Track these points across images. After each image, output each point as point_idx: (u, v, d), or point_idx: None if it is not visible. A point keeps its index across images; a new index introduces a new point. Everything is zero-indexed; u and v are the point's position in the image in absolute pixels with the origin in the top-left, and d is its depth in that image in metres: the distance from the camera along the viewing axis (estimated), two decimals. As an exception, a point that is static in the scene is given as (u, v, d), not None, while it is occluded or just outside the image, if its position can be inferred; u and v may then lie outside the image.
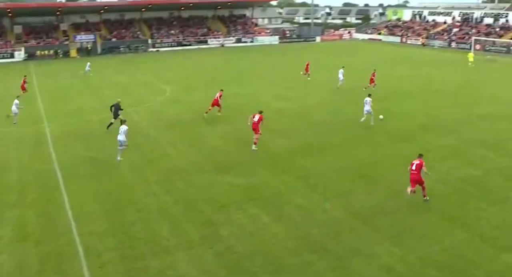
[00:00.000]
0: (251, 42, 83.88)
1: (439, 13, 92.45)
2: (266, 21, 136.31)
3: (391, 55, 63.72)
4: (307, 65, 43.63)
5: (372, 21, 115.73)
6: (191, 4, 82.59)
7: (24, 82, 38.61)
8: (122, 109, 26.64)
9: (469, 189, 17.60)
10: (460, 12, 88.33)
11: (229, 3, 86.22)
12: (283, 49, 74.47)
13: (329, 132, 25.36)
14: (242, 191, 17.71)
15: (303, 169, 19.92)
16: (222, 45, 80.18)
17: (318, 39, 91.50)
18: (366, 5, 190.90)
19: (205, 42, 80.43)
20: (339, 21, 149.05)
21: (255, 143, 22.50)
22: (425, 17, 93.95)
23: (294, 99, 34.17)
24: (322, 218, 15.51)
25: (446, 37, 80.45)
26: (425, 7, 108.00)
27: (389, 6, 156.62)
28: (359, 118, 26.96)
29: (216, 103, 28.61)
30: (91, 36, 72.62)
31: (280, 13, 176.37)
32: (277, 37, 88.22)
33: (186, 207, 16.51)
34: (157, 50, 74.53)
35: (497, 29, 76.80)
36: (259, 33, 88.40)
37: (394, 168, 19.63)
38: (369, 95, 26.95)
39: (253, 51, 70.87)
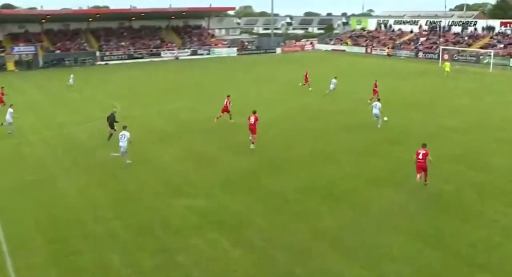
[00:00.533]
0: (208, 54, 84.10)
1: (405, 22, 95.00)
2: (223, 32, 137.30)
3: (356, 66, 64.95)
4: (306, 75, 44.81)
5: (335, 31, 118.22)
6: (142, 14, 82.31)
7: (2, 94, 38.28)
8: (117, 121, 27.42)
9: (441, 205, 17.88)
10: (427, 21, 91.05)
11: (184, 13, 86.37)
12: (241, 61, 74.88)
13: (292, 148, 25.45)
14: (200, 214, 17.46)
15: (264, 188, 19.84)
16: (177, 58, 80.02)
17: (278, 50, 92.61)
18: (329, 14, 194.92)
19: (158, 54, 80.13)
20: (300, 31, 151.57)
21: (253, 143, 25.21)
22: (390, 26, 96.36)
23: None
24: (286, 241, 15.41)
25: (413, 47, 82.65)
26: (390, 16, 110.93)
27: (353, 15, 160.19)
28: (321, 133, 27.66)
29: (226, 110, 30.38)
30: (32, 48, 71.07)
31: (238, 23, 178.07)
32: (235, 48, 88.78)
33: (139, 233, 16.12)
34: (106, 63, 73.74)
35: (466, 38, 79.42)
36: (216, 44, 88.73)
37: (360, 186, 19.80)
38: (379, 100, 31.06)
39: (210, 64, 70.97)
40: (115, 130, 26.60)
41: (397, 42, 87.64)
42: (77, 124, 31.81)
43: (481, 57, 69.56)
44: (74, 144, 27.41)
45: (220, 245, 15.26)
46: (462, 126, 29.73)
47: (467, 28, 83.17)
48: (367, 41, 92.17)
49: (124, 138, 22.84)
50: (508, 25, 78.30)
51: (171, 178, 21.38)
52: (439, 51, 72.59)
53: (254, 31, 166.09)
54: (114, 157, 23.33)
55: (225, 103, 30.54)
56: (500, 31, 78.11)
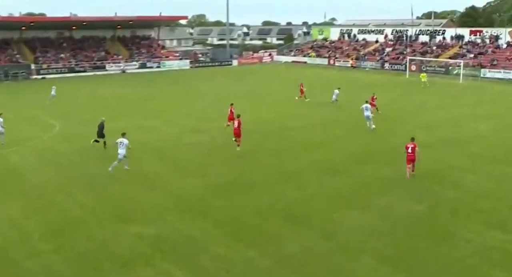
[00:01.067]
0: (158, 67, 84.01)
1: (370, 31, 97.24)
2: (175, 42, 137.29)
3: (318, 79, 65.91)
4: (301, 87, 47.12)
5: (295, 42, 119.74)
6: (84, 23, 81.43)
7: None
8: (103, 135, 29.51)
9: (412, 227, 18.17)
10: (393, 30, 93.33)
11: (131, 22, 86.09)
12: (194, 75, 74.96)
13: (250, 168, 25.55)
14: (150, 243, 17.25)
15: (220, 212, 19.79)
16: (124, 71, 79.53)
17: (235, 62, 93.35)
18: (289, 23, 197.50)
19: (103, 67, 79.50)
20: (258, 42, 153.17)
21: (238, 145, 28.50)
22: (354, 36, 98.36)
23: (208, 131, 34.27)
24: (245, 269, 15.36)
25: (378, 58, 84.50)
26: (354, 25, 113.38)
27: (315, 24, 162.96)
28: (282, 151, 28.27)
29: (232, 118, 32.38)
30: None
31: (191, 33, 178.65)
32: (188, 61, 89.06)
33: (81, 267, 15.76)
34: (43, 78, 72.53)
35: (434, 48, 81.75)
36: (166, 56, 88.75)
37: (324, 206, 20.00)
38: (367, 102, 35.04)
39: (160, 78, 70.82)
40: (99, 139, 29.40)
41: (362, 52, 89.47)
42: (9, 145, 31.08)
43: (450, 67, 71.70)
44: (6, 168, 26.77)
45: (173, 276, 15.10)
46: (433, 141, 30.48)
47: (435, 37, 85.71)
48: (330, 52, 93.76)
49: (122, 145, 24.64)
50: (478, 33, 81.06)
51: (118, 203, 21.07)
52: (406, 62, 74.44)
53: (208, 42, 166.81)
54: (113, 170, 24.61)
55: (229, 111, 33.65)
56: (470, 40, 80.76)
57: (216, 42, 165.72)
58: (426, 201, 20.51)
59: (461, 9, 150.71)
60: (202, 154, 28.52)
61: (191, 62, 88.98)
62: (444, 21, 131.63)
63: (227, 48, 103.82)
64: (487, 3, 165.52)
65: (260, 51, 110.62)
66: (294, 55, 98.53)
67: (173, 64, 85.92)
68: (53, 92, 50.12)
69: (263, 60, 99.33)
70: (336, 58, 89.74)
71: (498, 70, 68.38)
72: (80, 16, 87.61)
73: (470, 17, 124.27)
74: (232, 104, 34.40)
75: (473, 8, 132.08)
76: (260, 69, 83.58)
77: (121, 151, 24.65)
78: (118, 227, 18.57)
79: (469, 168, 25.24)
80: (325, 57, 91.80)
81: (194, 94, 53.22)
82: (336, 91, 44.45)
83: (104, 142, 29.42)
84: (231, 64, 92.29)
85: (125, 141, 24.73)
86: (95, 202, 21.25)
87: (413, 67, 74.21)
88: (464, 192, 21.67)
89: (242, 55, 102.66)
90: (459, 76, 65.02)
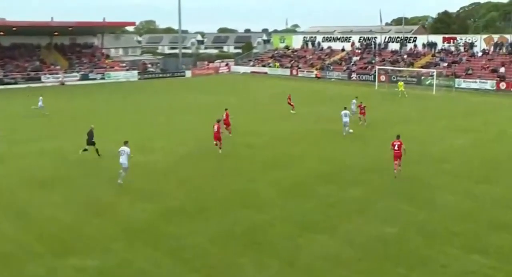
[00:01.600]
0: (102, 78, 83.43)
1: (336, 39, 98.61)
2: (121, 51, 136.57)
3: (279, 91, 66.26)
4: (289, 99, 49.38)
5: (255, 50, 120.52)
6: (14, 28, 79.89)
7: None
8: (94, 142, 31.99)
9: (383, 251, 18.34)
10: (361, 37, 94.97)
11: (71, 29, 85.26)
12: (143, 87, 74.58)
13: (205, 189, 25.46)
14: None
15: (173, 240, 19.61)
16: (62, 83, 78.58)
17: (188, 73, 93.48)
18: (247, 30, 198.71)
19: (38, 79, 78.42)
20: (214, 51, 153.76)
21: (220, 148, 32.35)
22: (319, 43, 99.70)
23: (159, 150, 34.11)
24: (201, 304, 15.26)
25: (345, 68, 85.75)
26: (318, 32, 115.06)
27: (275, 31, 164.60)
28: (240, 170, 28.40)
29: (228, 123, 37.47)
30: None
31: (139, 41, 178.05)
32: (135, 72, 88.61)
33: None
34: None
35: (405, 56, 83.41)
36: (111, 67, 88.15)
37: (287, 231, 20.06)
38: (345, 108, 38.27)
39: (104, 90, 70.23)
40: (87, 150, 31.85)
41: (327, 62, 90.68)
42: None
43: (422, 77, 73.26)
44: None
45: (118, 313, 14.89)
46: (405, 157, 30.95)
47: (406, 45, 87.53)
48: (292, 61, 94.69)
49: (124, 154, 26.14)
50: (451, 40, 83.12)
51: (55, 233, 20.61)
52: (375, 72, 75.60)
53: (158, 51, 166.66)
54: (121, 182, 26.23)
55: (225, 116, 37.60)
56: (443, 47, 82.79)
57: (167, 51, 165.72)
58: (397, 223, 20.76)
59: (433, 14, 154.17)
60: (152, 175, 28.30)
61: (139, 73, 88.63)
62: (415, 27, 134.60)
63: (180, 57, 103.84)
64: (461, 8, 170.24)
65: (216, 61, 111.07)
66: (253, 65, 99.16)
67: (119, 76, 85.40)
68: (40, 103, 50.55)
69: (220, 71, 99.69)
70: (299, 68, 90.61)
71: (473, 80, 70.19)
72: (9, 20, 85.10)
73: (443, 23, 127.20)
74: (226, 109, 38.66)
75: (446, 13, 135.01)
76: (216, 81, 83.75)
77: (123, 161, 26.16)
78: (55, 261, 18.11)
79: (445, 186, 25.70)
80: (287, 67, 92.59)
81: (142, 108, 52.86)
82: (354, 100, 45.20)
83: (97, 150, 31.86)
84: (184, 75, 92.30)
85: (127, 149, 26.25)
86: (26, 234, 20.69)
87: (383, 78, 75.46)
88: (439, 212, 22.01)
89: (196, 66, 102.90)
90: (432, 87, 66.43)
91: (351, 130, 37.68)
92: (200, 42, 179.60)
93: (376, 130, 40.12)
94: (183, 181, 27.21)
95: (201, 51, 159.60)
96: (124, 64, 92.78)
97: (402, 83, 63.12)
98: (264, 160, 31.09)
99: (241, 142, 35.99)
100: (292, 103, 49.33)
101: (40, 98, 51.38)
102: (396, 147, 27.00)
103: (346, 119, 37.45)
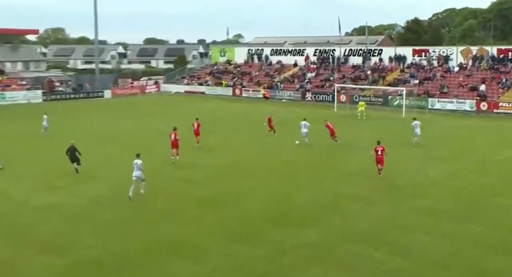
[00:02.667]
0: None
1: (287, 52, 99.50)
2: (19, 66, 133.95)
3: (220, 114, 66.47)
4: (269, 120, 51.72)
5: (189, 66, 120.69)
6: None
7: None
8: (80, 154, 36.74)
9: (345, 307, 18.42)
10: (316, 50, 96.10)
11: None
12: (49, 110, 73.42)
13: (128, 238, 24.96)
14: None
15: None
16: None
17: (107, 93, 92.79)
18: (180, 41, 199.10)
19: None
20: (139, 66, 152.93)
21: (177, 154, 39.67)
22: (267, 57, 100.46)
23: (68, 188, 33.52)
24: None
25: (298, 86, 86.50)
26: (266, 44, 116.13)
27: (214, 42, 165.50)
28: (170, 211, 28.19)
29: (197, 133, 45.77)
30: None
31: (44, 54, 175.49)
32: (40, 92, 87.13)
33: None
34: None
35: (369, 72, 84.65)
36: (7, 85, 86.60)
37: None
38: (304, 119, 46.91)
39: None
40: (79, 165, 36.50)
41: (276, 79, 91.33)
42: None
43: (390, 97, 74.49)
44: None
45: None
46: (366, 193, 31.34)
47: (369, 59, 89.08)
48: (235, 78, 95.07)
49: (136, 167, 30.46)
50: (423, 53, 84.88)
51: None
52: (334, 91, 76.42)
53: (69, 65, 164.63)
54: (133, 195, 29.94)
55: (196, 125, 46.00)
56: (413, 61, 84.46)
57: (80, 65, 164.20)
58: (364, 273, 20.81)
59: (402, 22, 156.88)
60: (59, 221, 27.60)
61: (44, 93, 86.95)
62: (380, 38, 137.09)
63: (97, 74, 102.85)
64: (434, 15, 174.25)
65: (142, 78, 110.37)
66: (188, 84, 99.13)
67: (18, 96, 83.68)
68: (45, 123, 53.06)
69: (147, 90, 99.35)
70: (243, 87, 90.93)
71: (449, 100, 71.91)
72: None
73: (413, 33, 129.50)
74: (197, 119, 46.49)
75: (416, 21, 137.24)
76: (143, 103, 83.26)
77: (136, 173, 30.33)
78: None
79: (419, 227, 25.94)
80: (229, 86, 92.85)
81: (47, 137, 51.94)
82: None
83: (77, 169, 36.32)
84: (102, 96, 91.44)
85: (139, 162, 30.64)
86: None
87: (343, 98, 76.53)
88: (413, 259, 22.15)
89: (118, 84, 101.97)
90: (401, 108, 67.48)
91: (297, 142, 45.94)
92: (122, 56, 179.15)
93: (334, 159, 40.57)
94: (99, 227, 26.63)
95: (123, 66, 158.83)
96: (24, 82, 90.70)
97: (363, 103, 64.12)
98: (203, 198, 30.86)
99: (176, 176, 35.76)
100: (272, 126, 51.85)
101: (45, 117, 53.66)
102: (379, 153, 34.40)
103: (304, 130, 46.06)
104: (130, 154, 40.90)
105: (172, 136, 39.91)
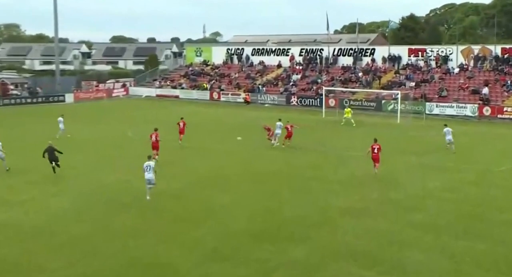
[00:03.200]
0: None
1: (270, 51, 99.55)
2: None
3: (196, 120, 66.32)
4: (183, 125, 51.49)
5: (162, 67, 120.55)
6: None
7: None
8: (61, 152, 39.77)
9: None
10: (302, 49, 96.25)
11: None
12: (2, 117, 73.20)
13: (95, 258, 24.61)
14: None
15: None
16: None
17: (69, 98, 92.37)
18: (151, 40, 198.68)
19: None
20: (106, 67, 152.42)
21: (157, 155, 42.18)
22: (247, 58, 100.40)
23: (27, 203, 33.11)
24: None
25: (282, 89, 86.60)
26: (246, 43, 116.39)
27: (190, 41, 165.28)
28: (146, 227, 28.03)
29: (181, 132, 50.29)
30: None
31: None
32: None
33: None
34: None
35: (360, 74, 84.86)
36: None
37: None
38: (280, 119, 50.63)
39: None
40: (58, 166, 39.25)
41: (258, 82, 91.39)
42: None
43: (383, 101, 74.85)
44: None
45: None
46: (359, 206, 31.56)
47: (361, 59, 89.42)
48: (213, 81, 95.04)
49: (149, 169, 32.48)
50: (419, 53, 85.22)
51: None
52: (322, 95, 76.44)
53: (25, 66, 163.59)
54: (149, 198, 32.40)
55: (182, 126, 50.25)
56: (409, 62, 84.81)
57: (38, 66, 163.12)
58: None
59: (396, 19, 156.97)
60: (15, 241, 27.00)
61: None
62: (373, 36, 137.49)
63: (57, 76, 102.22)
64: (431, 11, 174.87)
65: (109, 81, 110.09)
66: (161, 86, 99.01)
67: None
68: (61, 126, 56.04)
69: (114, 94, 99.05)
70: (222, 90, 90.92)
71: (449, 104, 72.38)
72: None
73: (409, 31, 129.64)
74: (182, 118, 51.03)
75: (412, 18, 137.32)
76: (109, 108, 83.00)
77: (149, 176, 32.51)
78: None
79: (415, 243, 26.11)
80: (205, 89, 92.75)
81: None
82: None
83: (54, 168, 39.04)
84: (63, 101, 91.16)
85: (152, 164, 32.88)
86: None
87: (332, 102, 76.79)
88: (410, 278, 22.44)
89: (81, 87, 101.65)
90: (396, 113, 67.91)
91: (239, 138, 53.11)
92: (86, 55, 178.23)
93: (322, 169, 40.85)
94: (61, 247, 26.26)
95: (87, 67, 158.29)
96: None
97: (349, 109, 64.35)
98: (179, 212, 30.82)
99: (141, 192, 35.58)
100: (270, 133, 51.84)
101: (60, 119, 56.37)
102: (375, 150, 38.52)
103: (278, 131, 49.90)
104: (95, 165, 41.16)
105: (153, 137, 43.07)
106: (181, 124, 50.39)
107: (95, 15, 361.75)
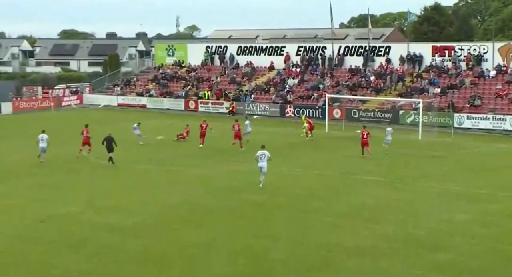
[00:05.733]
0: None
1: (260, 50, 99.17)
2: None
3: (165, 136, 66.44)
4: (186, 132, 63.84)
5: (124, 68, 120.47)
6: None
7: None
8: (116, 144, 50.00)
9: None
10: (300, 47, 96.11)
11: None
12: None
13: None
14: None
15: None
16: None
17: (7, 107, 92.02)
18: (111, 35, 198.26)
19: None
20: (53, 69, 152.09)
21: (89, 150, 53.30)
22: (232, 58, 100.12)
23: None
24: None
25: (274, 97, 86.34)
26: (230, 39, 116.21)
27: (159, 37, 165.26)
28: (98, 271, 27.81)
29: (87, 142, 54.59)
30: None
31: None
32: None
33: None
34: None
35: (372, 78, 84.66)
36: None
37: None
38: (246, 117, 62.28)
39: None
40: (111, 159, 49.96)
41: (246, 87, 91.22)
42: None
43: (401, 112, 74.66)
44: None
45: None
46: (369, 244, 31.36)
47: (373, 60, 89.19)
48: (189, 87, 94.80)
49: (263, 157, 42.19)
50: (446, 51, 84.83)
51: None
52: (325, 104, 76.34)
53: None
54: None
55: (86, 134, 54.58)
56: (433, 63, 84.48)
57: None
58: None
59: (417, 10, 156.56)
60: None
61: None
62: (388, 31, 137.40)
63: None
64: (461, 0, 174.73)
65: (57, 86, 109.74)
66: (123, 94, 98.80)
67: None
68: (137, 132, 63.40)
69: (64, 103, 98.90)
70: (200, 98, 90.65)
71: (482, 115, 72.04)
72: None
73: (433, 24, 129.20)
74: (86, 125, 55.74)
75: (437, 8, 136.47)
76: (57, 120, 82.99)
77: (261, 163, 42.24)
78: None
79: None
80: (178, 97, 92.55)
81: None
82: (389, 129, 58.45)
83: (111, 158, 50.08)
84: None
85: (267, 153, 42.39)
86: None
87: (337, 113, 76.66)
88: None
89: (22, 94, 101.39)
90: (417, 128, 67.49)
91: (160, 137, 65.06)
92: (29, 54, 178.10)
93: (322, 199, 40.60)
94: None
95: (30, 69, 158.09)
96: None
97: (304, 116, 65.93)
98: (142, 254, 30.57)
99: (102, 224, 35.40)
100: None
101: (135, 126, 63.47)
102: (365, 136, 53.70)
103: (249, 129, 60.91)
104: (37, 193, 40.75)
105: (84, 133, 54.35)
106: (85, 132, 54.91)
107: (39, 3, 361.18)
